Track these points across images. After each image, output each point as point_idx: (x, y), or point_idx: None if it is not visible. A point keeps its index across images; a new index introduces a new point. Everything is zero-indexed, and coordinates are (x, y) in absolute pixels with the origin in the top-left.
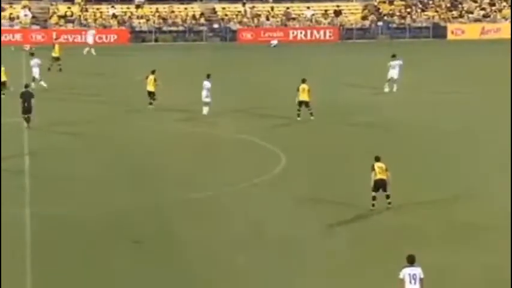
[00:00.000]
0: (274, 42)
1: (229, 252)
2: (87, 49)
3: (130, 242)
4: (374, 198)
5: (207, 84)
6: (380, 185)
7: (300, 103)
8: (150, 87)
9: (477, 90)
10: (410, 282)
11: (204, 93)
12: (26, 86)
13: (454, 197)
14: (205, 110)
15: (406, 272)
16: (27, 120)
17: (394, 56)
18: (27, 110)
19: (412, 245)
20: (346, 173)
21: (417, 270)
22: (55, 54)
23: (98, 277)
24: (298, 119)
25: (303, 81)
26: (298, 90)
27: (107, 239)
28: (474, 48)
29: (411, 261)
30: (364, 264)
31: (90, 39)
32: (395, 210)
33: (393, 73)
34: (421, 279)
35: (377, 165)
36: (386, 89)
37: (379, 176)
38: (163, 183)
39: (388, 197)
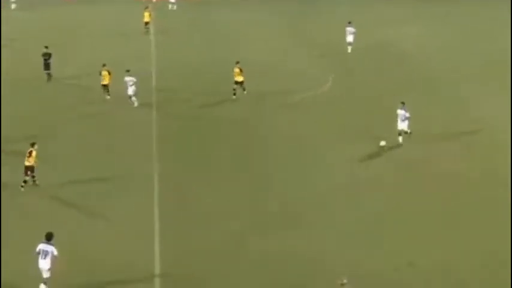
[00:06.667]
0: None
1: None
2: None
3: None
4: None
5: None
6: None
7: (236, 82)
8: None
9: None
10: (41, 257)
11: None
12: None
13: None
14: None
15: (40, 248)
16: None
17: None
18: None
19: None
20: None
21: (50, 248)
22: None
23: None
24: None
25: (237, 63)
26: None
27: None
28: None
29: (48, 238)
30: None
31: None
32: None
33: None
34: (54, 256)
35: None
36: None
37: (26, 163)
38: None
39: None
